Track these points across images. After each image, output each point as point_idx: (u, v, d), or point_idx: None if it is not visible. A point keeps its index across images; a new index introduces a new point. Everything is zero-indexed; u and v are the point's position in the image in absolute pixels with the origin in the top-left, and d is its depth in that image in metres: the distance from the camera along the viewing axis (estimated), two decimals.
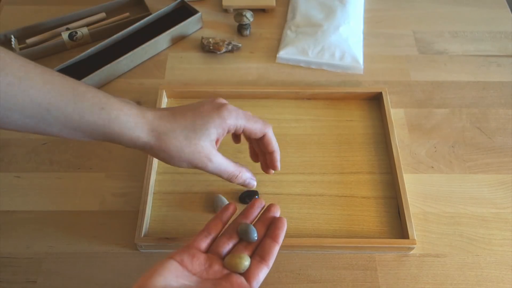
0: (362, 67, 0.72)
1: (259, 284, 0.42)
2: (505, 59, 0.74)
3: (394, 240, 0.54)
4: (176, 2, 0.77)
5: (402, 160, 0.61)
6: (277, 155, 0.51)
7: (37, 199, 0.58)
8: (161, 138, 0.43)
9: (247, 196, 0.57)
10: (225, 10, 0.80)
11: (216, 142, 0.46)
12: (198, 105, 0.46)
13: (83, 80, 0.66)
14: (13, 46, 0.72)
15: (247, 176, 0.50)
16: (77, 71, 0.67)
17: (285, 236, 0.46)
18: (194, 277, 0.41)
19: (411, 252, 0.54)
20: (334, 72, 0.72)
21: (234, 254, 0.43)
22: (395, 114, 0.66)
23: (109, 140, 0.42)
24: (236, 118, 0.45)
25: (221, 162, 0.46)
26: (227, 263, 0.42)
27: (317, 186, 0.59)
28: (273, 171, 0.53)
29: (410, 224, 0.54)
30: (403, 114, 0.67)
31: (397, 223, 0.56)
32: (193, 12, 0.76)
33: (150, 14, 0.76)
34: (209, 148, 0.44)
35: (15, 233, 0.55)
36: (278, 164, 0.51)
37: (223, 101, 0.47)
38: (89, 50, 0.70)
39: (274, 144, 0.50)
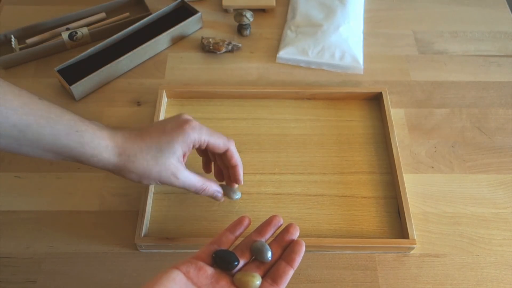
0: (362, 67, 0.72)
1: None
2: (505, 59, 0.74)
3: (394, 240, 0.54)
4: (176, 2, 0.77)
5: (402, 160, 0.61)
6: (240, 169, 0.53)
7: (37, 199, 0.58)
8: (130, 160, 0.45)
9: (220, 257, 0.43)
10: (225, 10, 0.80)
11: (184, 157, 0.48)
12: (164, 122, 0.48)
13: (83, 80, 0.66)
14: (13, 46, 0.72)
15: (214, 190, 0.52)
16: (77, 71, 0.67)
17: None
18: None
19: (411, 252, 0.54)
20: (334, 72, 0.72)
21: (246, 271, 0.42)
22: (395, 114, 0.66)
23: (79, 161, 0.44)
24: (199, 133, 0.47)
25: (188, 178, 0.48)
26: (238, 279, 0.41)
27: (317, 186, 0.59)
28: (236, 185, 0.55)
29: (410, 224, 0.54)
30: (403, 114, 0.67)
31: (397, 223, 0.56)
32: (193, 12, 0.76)
33: (150, 14, 0.76)
34: (175, 165, 0.46)
35: (15, 233, 0.55)
36: (241, 177, 0.53)
37: (187, 117, 0.49)
38: (89, 50, 0.70)
39: (236, 158, 0.52)
